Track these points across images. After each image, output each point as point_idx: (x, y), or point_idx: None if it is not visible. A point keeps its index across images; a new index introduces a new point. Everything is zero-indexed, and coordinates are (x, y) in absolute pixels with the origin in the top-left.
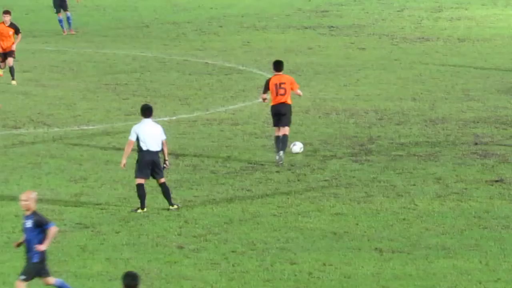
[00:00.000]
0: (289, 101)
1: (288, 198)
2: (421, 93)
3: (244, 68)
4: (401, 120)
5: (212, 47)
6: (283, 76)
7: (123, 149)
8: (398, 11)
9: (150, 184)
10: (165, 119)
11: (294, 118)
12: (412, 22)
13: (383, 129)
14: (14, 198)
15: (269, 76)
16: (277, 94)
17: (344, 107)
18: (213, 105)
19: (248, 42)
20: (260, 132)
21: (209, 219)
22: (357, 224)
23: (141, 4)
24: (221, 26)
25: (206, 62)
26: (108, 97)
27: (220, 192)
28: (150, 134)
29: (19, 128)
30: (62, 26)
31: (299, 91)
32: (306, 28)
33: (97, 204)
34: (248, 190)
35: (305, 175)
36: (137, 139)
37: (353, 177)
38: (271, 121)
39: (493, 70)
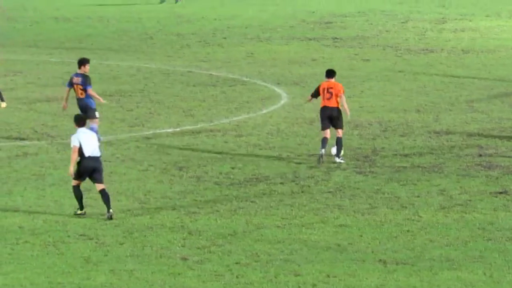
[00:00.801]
0: (336, 105)
1: (292, 210)
2: (425, 105)
3: (248, 79)
4: (405, 131)
5: (216, 58)
6: (332, 82)
7: (128, 160)
8: (402, 22)
9: (154, 196)
10: (169, 130)
11: (298, 129)
12: (416, 33)
13: (387, 140)
14: (18, 210)
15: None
16: (324, 98)
17: (348, 118)
18: (217, 116)
19: (252, 54)
20: (264, 143)
21: (213, 230)
22: (361, 236)
23: (145, 15)
24: (225, 38)
25: (210, 74)
26: (112, 109)
27: (224, 204)
28: (90, 141)
29: (23, 139)
30: None
31: (343, 99)
32: (310, 39)
33: (101, 215)
34: (252, 202)
35: (309, 186)
36: (80, 145)
37: (357, 188)
38: (275, 132)
39: (497, 82)
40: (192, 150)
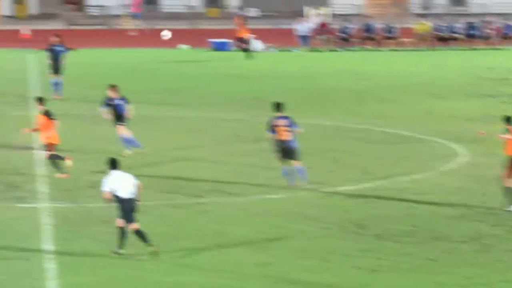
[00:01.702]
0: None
1: (475, 269)
2: None
3: (425, 137)
4: None
5: (393, 115)
6: None
7: (308, 217)
8: None
9: (335, 254)
10: (348, 188)
11: (478, 187)
12: None
13: None
14: (200, 268)
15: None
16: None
17: None
18: (395, 174)
19: (428, 111)
20: (444, 202)
21: None
22: None
23: (322, 72)
24: (401, 94)
25: (387, 131)
26: None
27: (405, 262)
28: (125, 183)
29: (201, 196)
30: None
31: None
32: (487, 96)
33: (279, 273)
34: (433, 260)
35: (492, 245)
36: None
37: None
38: (455, 190)
39: None
40: (371, 208)
